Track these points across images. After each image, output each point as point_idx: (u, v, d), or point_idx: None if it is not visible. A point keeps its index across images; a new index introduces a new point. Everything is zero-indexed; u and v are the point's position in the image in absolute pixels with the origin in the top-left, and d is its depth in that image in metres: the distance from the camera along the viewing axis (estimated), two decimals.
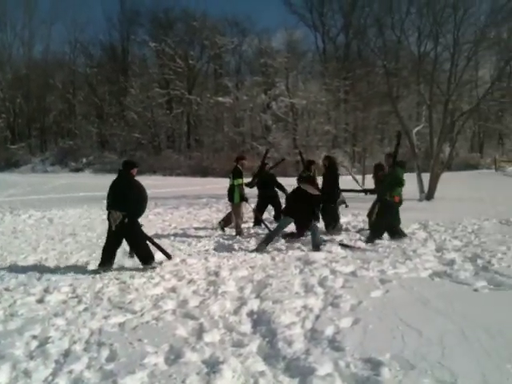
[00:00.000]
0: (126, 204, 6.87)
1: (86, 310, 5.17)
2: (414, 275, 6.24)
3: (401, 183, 8.63)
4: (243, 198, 9.98)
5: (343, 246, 8.41)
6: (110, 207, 6.98)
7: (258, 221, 10.77)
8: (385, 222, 8.77)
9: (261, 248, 8.18)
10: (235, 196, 9.95)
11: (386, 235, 8.96)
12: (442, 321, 4.46)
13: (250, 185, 10.75)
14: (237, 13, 54.04)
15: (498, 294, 5.37)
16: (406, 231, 9.61)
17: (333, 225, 9.80)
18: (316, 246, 8.17)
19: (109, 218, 7.03)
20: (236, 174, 9.99)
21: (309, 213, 8.57)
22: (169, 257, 7.55)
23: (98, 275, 6.63)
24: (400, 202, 8.83)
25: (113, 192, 7.02)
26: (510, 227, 10.03)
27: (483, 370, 3.46)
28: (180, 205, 15.96)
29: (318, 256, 7.45)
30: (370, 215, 9.88)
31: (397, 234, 8.83)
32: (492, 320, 4.42)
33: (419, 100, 26.67)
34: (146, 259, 7.07)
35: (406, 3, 18.46)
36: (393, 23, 18.85)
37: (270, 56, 47.31)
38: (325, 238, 9.08)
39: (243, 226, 10.43)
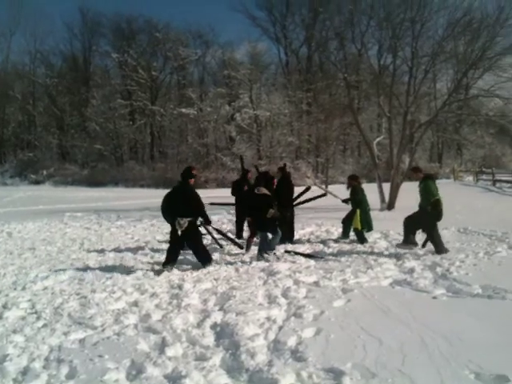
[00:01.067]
0: (190, 210, 7.71)
1: (45, 326, 5.05)
2: (375, 284, 6.35)
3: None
4: None
5: (298, 254, 8.66)
6: (174, 214, 7.70)
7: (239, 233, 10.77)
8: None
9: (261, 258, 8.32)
10: None
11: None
12: (402, 329, 4.55)
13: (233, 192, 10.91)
14: (200, 25, 54.34)
15: (456, 301, 5.52)
16: (368, 240, 9.84)
17: (288, 236, 9.88)
18: (260, 252, 8.38)
19: (175, 225, 7.69)
20: None
21: (262, 214, 8.58)
22: (240, 247, 8.97)
23: (58, 290, 6.48)
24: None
25: (175, 201, 7.82)
26: (467, 235, 10.30)
27: (442, 377, 3.56)
28: (143, 217, 15.76)
29: (281, 267, 7.49)
30: (345, 222, 10.27)
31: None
32: (450, 327, 4.54)
33: (379, 112, 27.23)
34: (205, 260, 7.80)
35: (366, 17, 18.87)
36: (353, 36, 19.28)
37: (233, 68, 47.50)
38: (288, 249, 9.18)
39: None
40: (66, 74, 55.25)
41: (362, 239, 9.78)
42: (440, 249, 8.32)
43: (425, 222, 8.50)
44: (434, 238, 8.47)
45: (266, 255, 8.26)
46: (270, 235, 8.55)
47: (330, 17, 22.11)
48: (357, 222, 9.77)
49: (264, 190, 8.62)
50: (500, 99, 18.41)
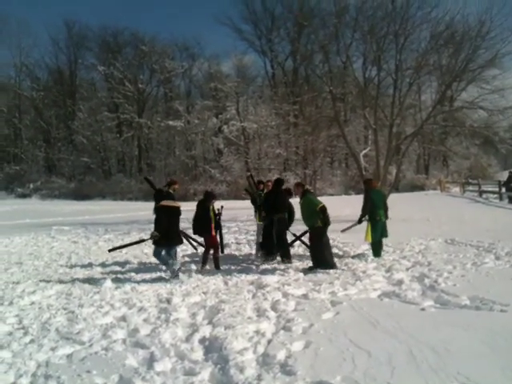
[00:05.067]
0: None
1: (32, 341, 4.99)
2: (364, 296, 6.37)
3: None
4: None
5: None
6: None
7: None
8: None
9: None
10: None
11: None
12: (390, 341, 4.56)
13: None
14: (186, 38, 54.63)
15: (444, 312, 5.55)
16: (356, 252, 9.85)
17: (283, 251, 9.65)
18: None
19: None
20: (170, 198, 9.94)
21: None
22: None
23: (45, 305, 6.42)
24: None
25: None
26: (455, 246, 10.37)
27: None
28: (131, 230, 15.70)
29: (270, 279, 7.49)
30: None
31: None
32: (438, 338, 4.56)
33: (365, 124, 27.45)
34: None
35: (351, 30, 19.08)
36: (338, 49, 19.46)
37: (219, 80, 47.72)
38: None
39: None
40: (52, 87, 55.26)
41: (375, 251, 9.48)
42: (325, 264, 8.30)
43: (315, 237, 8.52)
44: (316, 252, 8.48)
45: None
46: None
47: (315, 30, 22.23)
48: (368, 236, 9.41)
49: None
50: (484, 111, 18.63)
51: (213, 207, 9.09)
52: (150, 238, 8.09)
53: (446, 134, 37.06)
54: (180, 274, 8.04)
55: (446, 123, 23.01)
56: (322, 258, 8.36)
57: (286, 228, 9.61)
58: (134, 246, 11.69)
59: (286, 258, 9.36)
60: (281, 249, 9.46)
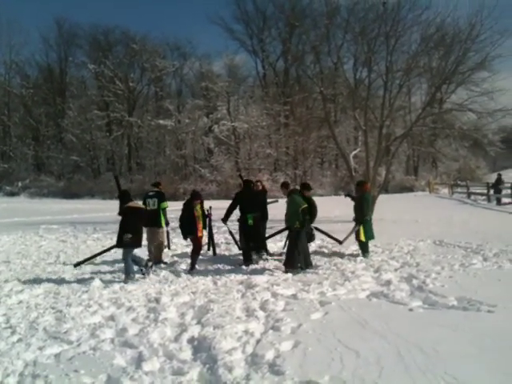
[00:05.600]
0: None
1: (20, 340, 4.98)
2: (353, 296, 6.40)
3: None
4: (167, 223, 10.16)
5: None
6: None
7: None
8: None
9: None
10: (161, 220, 9.82)
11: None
12: (378, 341, 4.59)
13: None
14: (178, 37, 54.43)
15: (432, 312, 5.59)
16: (345, 252, 9.89)
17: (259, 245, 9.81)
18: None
19: None
20: (163, 198, 9.97)
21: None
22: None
23: (33, 304, 6.38)
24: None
25: None
26: (443, 247, 10.43)
27: None
28: None
29: (259, 279, 7.50)
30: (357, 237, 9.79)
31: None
32: (426, 339, 4.59)
33: (355, 125, 27.52)
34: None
35: (342, 31, 19.10)
36: (329, 50, 19.42)
37: (211, 80, 47.57)
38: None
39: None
40: (42, 85, 54.84)
41: (365, 251, 9.65)
42: (290, 262, 8.38)
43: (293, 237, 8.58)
44: (289, 252, 8.54)
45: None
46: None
47: (306, 31, 22.20)
48: (362, 235, 9.60)
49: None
50: (473, 113, 18.74)
51: (202, 207, 9.07)
52: (125, 242, 7.91)
53: (435, 135, 37.28)
54: (169, 274, 8.06)
55: (435, 125, 23.09)
56: (292, 257, 8.40)
57: (262, 224, 9.94)
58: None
59: (264, 249, 9.88)
60: (257, 242, 9.66)
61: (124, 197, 8.33)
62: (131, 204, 8.17)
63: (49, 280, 8.11)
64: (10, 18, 69.78)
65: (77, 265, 9.22)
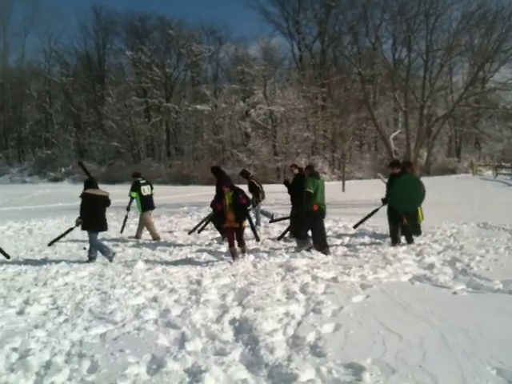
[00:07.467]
0: None
1: (66, 321, 5.11)
2: (394, 280, 6.31)
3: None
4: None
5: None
6: None
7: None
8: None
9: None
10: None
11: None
12: (421, 324, 4.52)
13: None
14: (213, 21, 54.33)
15: (476, 296, 5.46)
16: (387, 236, 9.72)
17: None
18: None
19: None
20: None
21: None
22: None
23: (78, 286, 6.56)
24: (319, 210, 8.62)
25: None
26: (487, 230, 10.15)
27: (463, 373, 3.52)
28: (160, 213, 15.84)
29: (299, 262, 7.49)
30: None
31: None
32: (471, 323, 4.49)
33: (395, 106, 27.02)
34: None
35: (380, 11, 18.71)
36: (367, 30, 19.13)
37: (246, 64, 47.37)
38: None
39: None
40: (81, 73, 55.85)
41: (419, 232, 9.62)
42: (300, 245, 8.60)
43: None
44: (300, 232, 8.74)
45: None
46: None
47: (343, 11, 21.91)
48: (420, 216, 9.71)
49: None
50: None
51: (238, 197, 8.61)
52: (76, 225, 8.78)
53: (478, 116, 36.27)
54: (210, 256, 8.15)
55: (478, 105, 22.46)
56: (298, 234, 8.79)
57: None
58: (165, 228, 11.89)
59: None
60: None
61: (88, 183, 8.90)
62: (89, 191, 8.65)
63: (94, 262, 8.33)
64: (49, 6, 70.77)
65: (50, 243, 9.83)
